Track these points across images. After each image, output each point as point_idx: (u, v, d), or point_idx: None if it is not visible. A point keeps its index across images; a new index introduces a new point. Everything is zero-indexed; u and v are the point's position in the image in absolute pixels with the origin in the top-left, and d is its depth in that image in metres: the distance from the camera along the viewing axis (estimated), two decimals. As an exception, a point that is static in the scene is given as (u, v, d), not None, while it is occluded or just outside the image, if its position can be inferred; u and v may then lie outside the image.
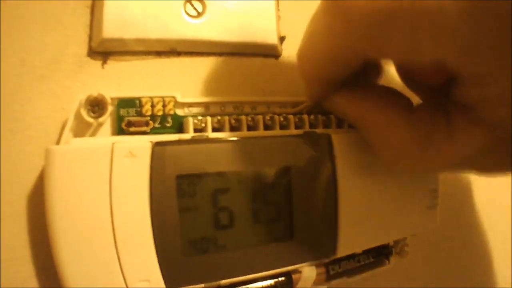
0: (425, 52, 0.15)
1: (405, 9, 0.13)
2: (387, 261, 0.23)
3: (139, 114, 0.18)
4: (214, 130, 0.19)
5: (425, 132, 0.18)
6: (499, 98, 0.15)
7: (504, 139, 0.17)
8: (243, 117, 0.20)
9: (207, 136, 0.19)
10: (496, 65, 0.14)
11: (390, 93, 0.19)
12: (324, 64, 0.17)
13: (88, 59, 0.20)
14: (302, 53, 0.18)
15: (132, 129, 0.18)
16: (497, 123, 0.16)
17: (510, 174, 0.19)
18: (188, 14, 0.21)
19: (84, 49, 0.20)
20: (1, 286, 0.17)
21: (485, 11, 0.13)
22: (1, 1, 0.18)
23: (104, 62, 0.20)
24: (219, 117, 0.19)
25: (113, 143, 0.17)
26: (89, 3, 0.20)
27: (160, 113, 0.19)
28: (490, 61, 0.14)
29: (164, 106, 0.19)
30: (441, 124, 0.18)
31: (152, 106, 0.19)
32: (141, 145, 0.17)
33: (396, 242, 0.23)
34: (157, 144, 0.17)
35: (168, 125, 0.19)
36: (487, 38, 0.13)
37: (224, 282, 0.18)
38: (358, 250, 0.21)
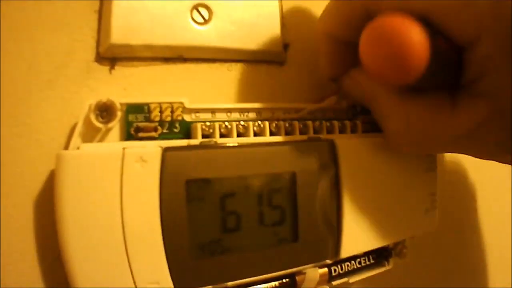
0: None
1: None
2: (386, 263, 0.24)
3: (148, 119, 0.19)
4: (222, 136, 0.19)
5: (431, 105, 0.19)
6: (500, 68, 0.17)
7: (504, 111, 0.17)
8: (250, 124, 0.20)
9: (215, 142, 0.19)
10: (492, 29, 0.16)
11: None
12: (330, 20, 0.21)
13: (96, 64, 0.20)
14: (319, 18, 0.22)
15: (140, 134, 0.18)
16: (499, 93, 0.17)
17: (510, 171, 0.20)
18: (195, 21, 0.21)
19: (91, 55, 0.20)
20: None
21: None
22: (8, 6, 0.18)
23: (112, 67, 0.20)
24: (226, 123, 0.20)
25: (123, 149, 0.17)
26: (97, 7, 0.20)
27: (169, 118, 0.19)
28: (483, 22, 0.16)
29: (172, 112, 0.19)
30: (445, 97, 0.19)
31: (161, 111, 0.19)
32: (151, 151, 0.17)
33: (396, 244, 0.24)
34: (167, 149, 0.18)
35: (176, 130, 0.19)
36: None
37: (230, 284, 0.19)
38: (359, 252, 0.22)
